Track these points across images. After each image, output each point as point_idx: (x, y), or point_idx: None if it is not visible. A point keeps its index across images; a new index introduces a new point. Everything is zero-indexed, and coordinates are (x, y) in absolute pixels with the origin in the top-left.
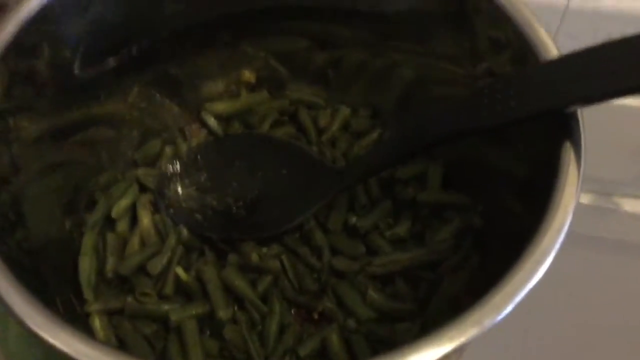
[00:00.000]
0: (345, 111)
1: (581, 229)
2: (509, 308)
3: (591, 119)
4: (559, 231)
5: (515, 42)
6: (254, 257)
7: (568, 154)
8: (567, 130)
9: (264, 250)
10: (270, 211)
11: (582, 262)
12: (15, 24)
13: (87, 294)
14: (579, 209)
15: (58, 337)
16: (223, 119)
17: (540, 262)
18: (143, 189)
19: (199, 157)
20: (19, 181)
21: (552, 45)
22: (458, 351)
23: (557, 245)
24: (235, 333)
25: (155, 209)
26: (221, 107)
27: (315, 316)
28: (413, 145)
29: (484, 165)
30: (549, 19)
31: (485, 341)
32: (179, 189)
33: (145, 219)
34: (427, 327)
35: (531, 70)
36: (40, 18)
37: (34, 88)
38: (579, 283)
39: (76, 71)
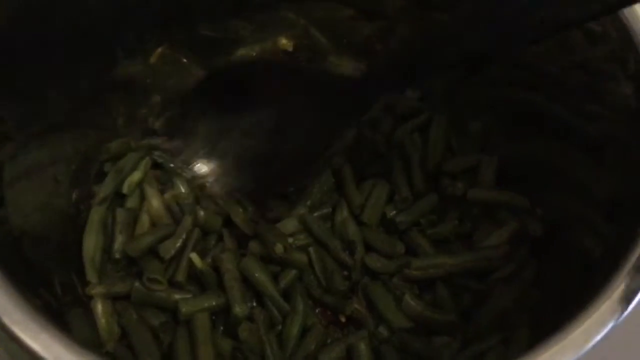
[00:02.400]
0: None
1: None
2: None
3: None
4: None
5: None
6: (278, 247)
7: None
8: None
9: (290, 240)
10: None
11: None
12: None
13: (91, 275)
14: None
15: (38, 339)
16: None
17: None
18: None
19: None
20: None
21: None
22: None
23: None
24: (251, 332)
25: (164, 187)
26: None
27: (343, 319)
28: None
29: (547, 164)
30: None
31: None
32: None
33: (154, 199)
34: (468, 343)
35: None
36: None
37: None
38: None
39: (91, 23)
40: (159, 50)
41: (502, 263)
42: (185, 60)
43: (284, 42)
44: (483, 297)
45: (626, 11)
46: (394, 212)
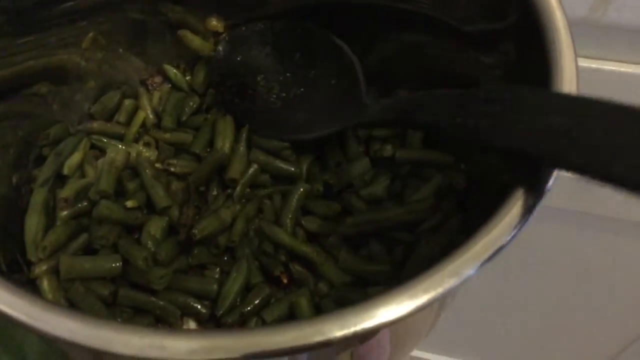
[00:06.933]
0: None
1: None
2: (486, 256)
3: None
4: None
5: None
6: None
7: None
8: None
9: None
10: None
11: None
12: None
13: (32, 254)
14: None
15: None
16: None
17: (519, 217)
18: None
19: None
20: None
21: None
22: (435, 307)
23: (539, 201)
24: None
25: None
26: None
27: (285, 280)
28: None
29: None
30: None
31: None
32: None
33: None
34: None
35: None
36: None
37: None
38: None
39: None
40: (90, 35)
41: (429, 215)
42: (117, 46)
43: (214, 23)
44: (413, 247)
45: None
46: (328, 175)
